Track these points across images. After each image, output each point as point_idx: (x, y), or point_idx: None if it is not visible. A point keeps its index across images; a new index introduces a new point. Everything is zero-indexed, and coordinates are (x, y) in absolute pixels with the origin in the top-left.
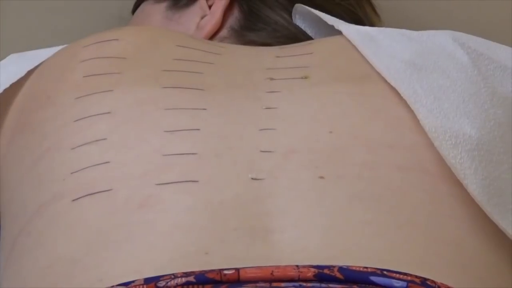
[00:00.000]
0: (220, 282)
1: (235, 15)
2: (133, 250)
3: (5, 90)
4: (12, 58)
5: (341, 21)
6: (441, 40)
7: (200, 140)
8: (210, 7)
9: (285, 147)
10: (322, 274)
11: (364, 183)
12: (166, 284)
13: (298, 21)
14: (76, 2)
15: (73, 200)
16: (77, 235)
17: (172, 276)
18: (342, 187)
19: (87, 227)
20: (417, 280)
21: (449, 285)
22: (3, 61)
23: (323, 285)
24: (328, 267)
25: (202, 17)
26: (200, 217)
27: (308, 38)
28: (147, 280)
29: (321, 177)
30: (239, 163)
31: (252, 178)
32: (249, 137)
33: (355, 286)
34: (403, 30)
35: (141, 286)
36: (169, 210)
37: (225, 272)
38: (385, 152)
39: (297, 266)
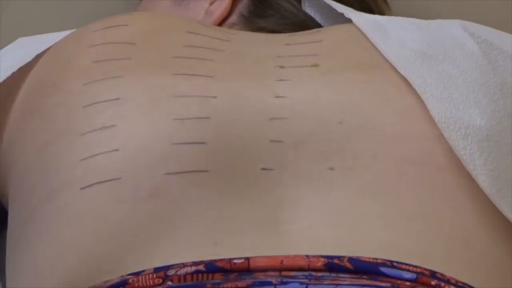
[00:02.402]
0: (230, 271)
1: (245, 1)
2: (141, 241)
3: (13, 74)
4: (21, 41)
5: (350, 9)
6: (451, 30)
7: (210, 129)
8: None
9: (295, 138)
10: (332, 264)
11: (373, 175)
12: (175, 272)
13: (308, 8)
14: None
15: (82, 188)
16: (86, 225)
17: (182, 265)
18: (351, 178)
19: (95, 216)
20: (426, 273)
21: (458, 278)
22: (11, 45)
23: (332, 274)
24: (338, 257)
25: (211, 3)
26: (209, 207)
27: (317, 25)
28: (157, 269)
29: (331, 168)
30: (249, 153)
31: (262, 169)
32: (259, 126)
33: (364, 277)
34: (413, 19)
35: (151, 275)
36: (178, 200)
37: (235, 261)
38: (394, 143)
39: (307, 255)
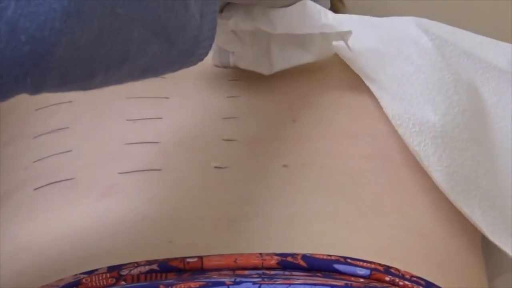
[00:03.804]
0: (183, 270)
1: None
2: (96, 240)
3: None
4: None
5: None
6: (405, 27)
7: (163, 129)
8: None
9: (248, 136)
10: (286, 262)
11: (328, 172)
12: (129, 272)
13: None
14: None
15: (36, 189)
16: (40, 225)
17: (135, 264)
18: (305, 175)
19: (49, 216)
20: (380, 268)
21: (412, 273)
22: None
23: (286, 273)
24: (292, 254)
25: None
26: (163, 206)
27: None
28: (110, 268)
29: (285, 166)
30: (202, 152)
31: (215, 167)
32: (212, 125)
33: (318, 274)
34: (367, 17)
35: (104, 274)
36: (132, 199)
37: (188, 260)
38: (348, 141)
39: (260, 254)
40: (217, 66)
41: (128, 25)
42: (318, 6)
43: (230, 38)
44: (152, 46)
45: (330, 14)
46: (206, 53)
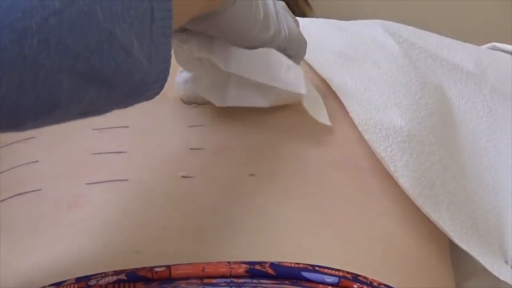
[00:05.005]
0: (152, 279)
1: None
2: (64, 251)
3: None
4: None
5: None
6: (372, 30)
7: (129, 138)
8: None
9: (215, 144)
10: (254, 270)
11: (295, 180)
12: (97, 282)
13: None
14: None
15: (2, 201)
16: (7, 237)
17: (103, 275)
18: (273, 184)
19: (17, 228)
20: (348, 276)
21: (380, 281)
22: None
23: (254, 281)
24: (260, 263)
25: None
26: (130, 216)
27: None
28: (79, 279)
29: (252, 174)
30: (169, 161)
31: (182, 176)
32: (178, 134)
33: (286, 282)
34: (333, 21)
35: (72, 285)
36: (99, 209)
37: (156, 269)
38: (316, 148)
39: (228, 262)
40: (184, 102)
41: (55, 76)
42: (284, 61)
43: (191, 60)
44: (88, 92)
45: (294, 73)
46: (157, 93)
